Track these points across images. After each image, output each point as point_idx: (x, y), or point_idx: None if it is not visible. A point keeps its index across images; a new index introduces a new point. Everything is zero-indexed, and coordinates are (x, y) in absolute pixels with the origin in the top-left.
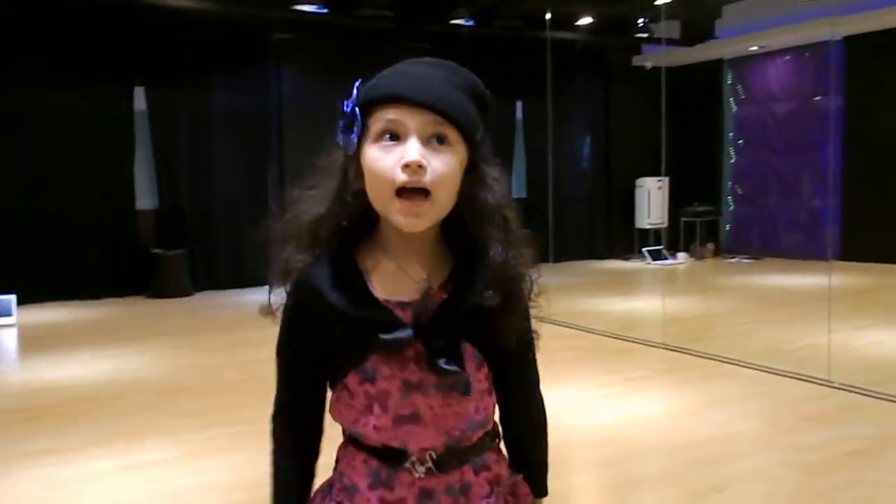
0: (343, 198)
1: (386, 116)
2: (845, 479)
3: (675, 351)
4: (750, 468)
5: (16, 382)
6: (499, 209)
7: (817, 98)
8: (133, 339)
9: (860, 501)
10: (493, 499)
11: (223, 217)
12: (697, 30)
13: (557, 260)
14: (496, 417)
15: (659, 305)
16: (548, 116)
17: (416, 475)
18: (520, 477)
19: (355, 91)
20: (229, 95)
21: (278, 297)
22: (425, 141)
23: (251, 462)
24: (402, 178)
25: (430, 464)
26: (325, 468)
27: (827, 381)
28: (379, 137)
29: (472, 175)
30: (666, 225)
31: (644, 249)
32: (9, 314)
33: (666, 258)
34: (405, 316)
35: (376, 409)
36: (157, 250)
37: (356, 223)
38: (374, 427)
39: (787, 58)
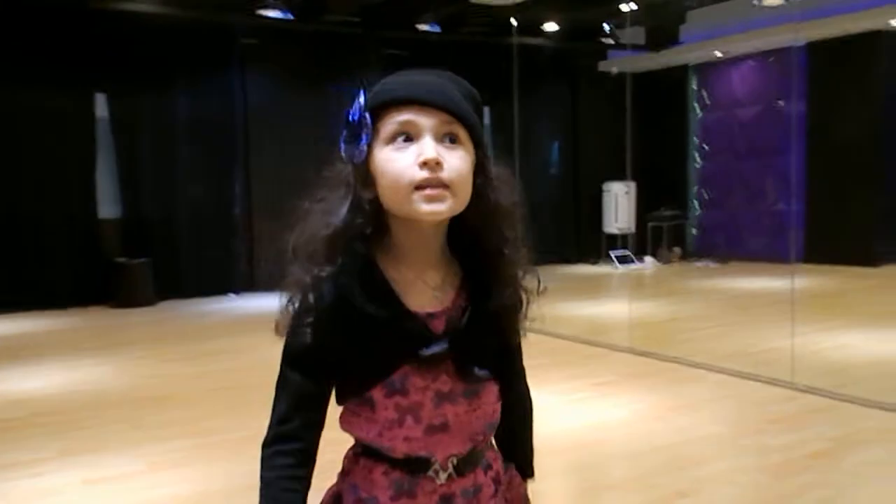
0: (357, 207)
1: (399, 118)
2: (808, 481)
3: (641, 355)
4: (715, 472)
5: None
6: (512, 209)
7: (781, 103)
8: (96, 350)
9: (822, 503)
10: (499, 497)
11: (187, 225)
12: (662, 36)
13: None
14: None
15: (626, 310)
16: (515, 122)
17: (439, 482)
18: (511, 467)
19: (361, 98)
20: (193, 102)
21: (286, 313)
22: (439, 140)
23: (216, 474)
24: (420, 175)
25: (451, 470)
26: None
27: (791, 383)
28: (392, 139)
29: (480, 176)
30: (633, 229)
31: (612, 254)
32: None
33: (633, 262)
34: (436, 326)
35: (409, 420)
36: (121, 259)
37: (371, 233)
38: (405, 438)
39: (751, 63)
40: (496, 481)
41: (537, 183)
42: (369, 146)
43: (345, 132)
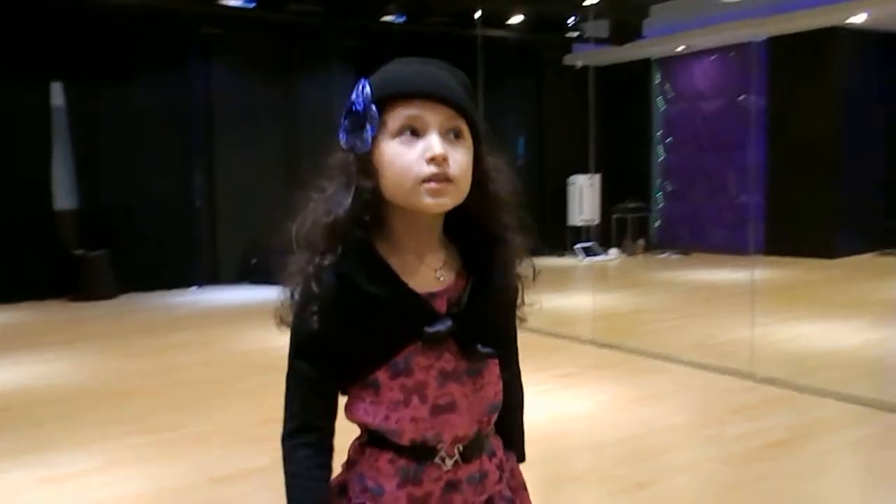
0: (358, 197)
1: (407, 112)
2: (766, 471)
3: (604, 347)
4: (675, 463)
5: None
6: (510, 197)
7: (742, 97)
8: (53, 345)
9: (778, 492)
10: (503, 484)
11: (148, 216)
12: (626, 29)
13: None
14: None
15: (590, 302)
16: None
17: (445, 469)
18: (511, 453)
19: (366, 88)
20: (154, 91)
21: (288, 304)
22: (443, 135)
23: (173, 471)
24: (427, 170)
25: (457, 456)
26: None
27: (751, 374)
28: (398, 133)
29: (480, 167)
30: (598, 221)
31: (577, 246)
32: None
33: (598, 254)
34: (439, 306)
35: (415, 400)
36: (79, 251)
37: (370, 220)
38: (412, 419)
39: (713, 57)
40: (500, 468)
41: None
42: (375, 137)
43: (347, 121)
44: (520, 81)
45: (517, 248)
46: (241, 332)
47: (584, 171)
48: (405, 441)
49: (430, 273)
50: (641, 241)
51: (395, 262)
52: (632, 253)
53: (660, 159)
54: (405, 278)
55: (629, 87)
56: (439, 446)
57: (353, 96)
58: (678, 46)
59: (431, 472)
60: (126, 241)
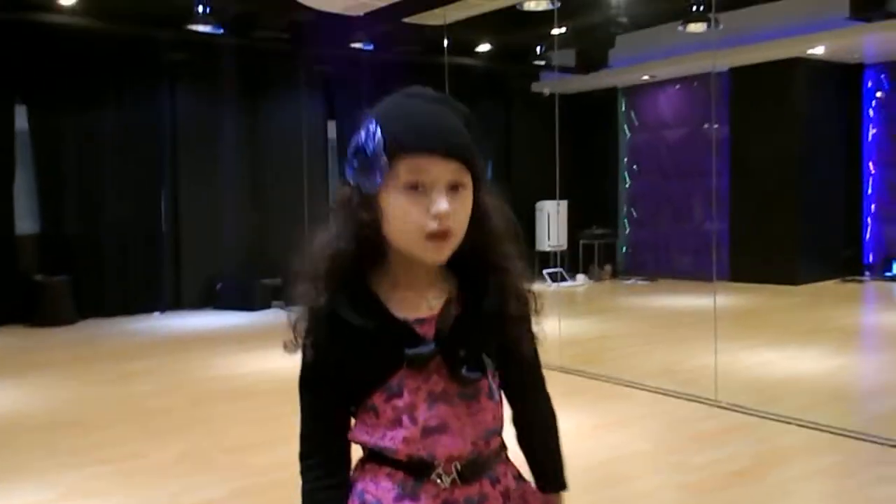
0: (360, 232)
1: (416, 166)
2: (730, 499)
3: (571, 374)
4: (639, 490)
5: None
6: (507, 230)
7: (706, 126)
8: (11, 372)
9: None
10: None
11: (111, 241)
12: (592, 59)
13: None
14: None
15: (558, 328)
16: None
17: (442, 486)
18: (527, 483)
19: (377, 133)
20: (119, 116)
21: (297, 330)
22: (448, 188)
23: (135, 503)
24: (431, 226)
25: (454, 475)
26: None
27: (714, 401)
28: (406, 186)
29: (479, 206)
30: (565, 247)
31: (544, 272)
32: None
33: (565, 280)
34: (426, 331)
35: (405, 420)
36: (39, 277)
37: (368, 254)
38: (404, 438)
39: (677, 87)
40: (505, 496)
41: None
42: (382, 183)
43: (356, 161)
44: (488, 108)
45: (519, 275)
46: (204, 359)
47: (552, 197)
48: (402, 457)
49: (420, 301)
50: (608, 268)
51: (388, 292)
52: (599, 279)
53: (626, 186)
54: (395, 306)
55: (596, 115)
56: (435, 463)
57: (364, 138)
58: (643, 76)
59: (429, 489)
60: (88, 267)
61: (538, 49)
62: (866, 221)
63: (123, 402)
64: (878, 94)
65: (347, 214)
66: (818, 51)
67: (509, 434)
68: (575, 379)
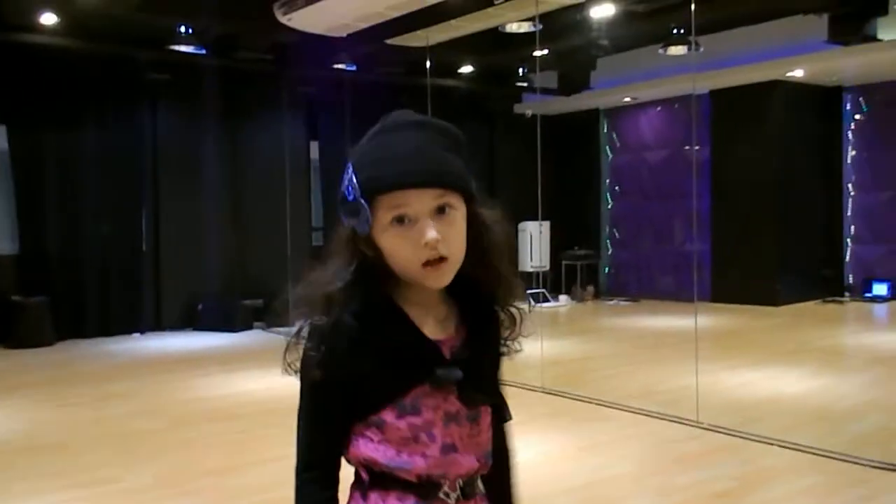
0: (365, 264)
1: (395, 203)
2: None
3: (553, 395)
4: None
5: None
6: (505, 246)
7: (687, 147)
8: None
9: None
10: None
11: (90, 262)
12: (574, 81)
13: None
14: None
15: (540, 349)
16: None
17: (449, 503)
18: None
19: (351, 176)
20: (100, 136)
21: (298, 348)
22: (434, 214)
23: None
24: (424, 255)
25: (458, 492)
26: None
27: (696, 422)
28: (390, 224)
29: (475, 223)
30: (548, 268)
31: (527, 292)
32: None
33: (548, 301)
34: (446, 352)
35: (423, 438)
36: (17, 297)
37: (381, 276)
38: (422, 455)
39: (658, 109)
40: None
41: None
42: (371, 225)
43: (343, 209)
44: (471, 130)
45: (513, 294)
46: (184, 381)
47: (535, 217)
48: (412, 477)
49: (436, 323)
50: (591, 288)
51: (406, 310)
52: (581, 300)
53: (608, 207)
54: (418, 324)
55: (578, 137)
56: (443, 481)
57: (344, 185)
58: (624, 98)
59: None
60: (67, 287)
61: (520, 71)
62: (846, 242)
63: (102, 424)
64: (857, 117)
65: (351, 252)
66: (797, 73)
67: None
68: (557, 400)
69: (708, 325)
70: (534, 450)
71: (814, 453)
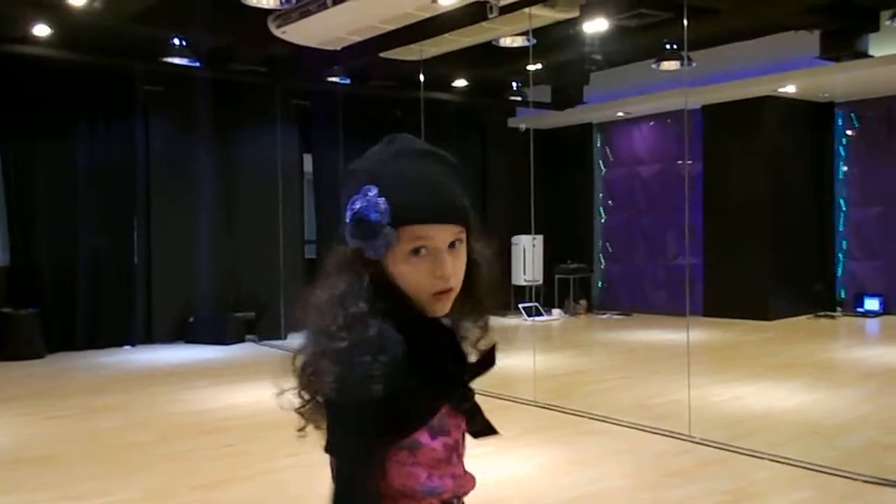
0: (375, 283)
1: (418, 234)
2: None
3: (546, 408)
4: None
5: None
6: (493, 273)
7: (679, 162)
8: None
9: None
10: None
11: (82, 274)
12: (567, 95)
13: None
14: None
15: (533, 362)
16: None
17: None
18: None
19: (377, 200)
20: (93, 148)
21: (347, 375)
22: (447, 248)
23: None
24: (437, 286)
25: None
26: None
27: (688, 436)
28: (411, 253)
29: (471, 253)
30: (541, 282)
31: (520, 306)
32: None
33: (541, 314)
34: None
35: (454, 458)
36: (7, 309)
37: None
38: (453, 476)
39: (651, 123)
40: None
41: None
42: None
43: (356, 228)
44: (464, 143)
45: (489, 330)
46: (174, 394)
47: (528, 231)
48: (437, 501)
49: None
50: (584, 302)
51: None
52: (574, 313)
53: (601, 221)
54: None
55: (571, 151)
56: (456, 501)
57: (366, 207)
58: (617, 112)
59: None
60: (57, 300)
61: (514, 85)
62: (838, 257)
63: (91, 437)
64: (849, 133)
65: (354, 273)
66: (789, 89)
67: None
68: (549, 413)
69: (700, 339)
70: (526, 463)
71: (805, 467)
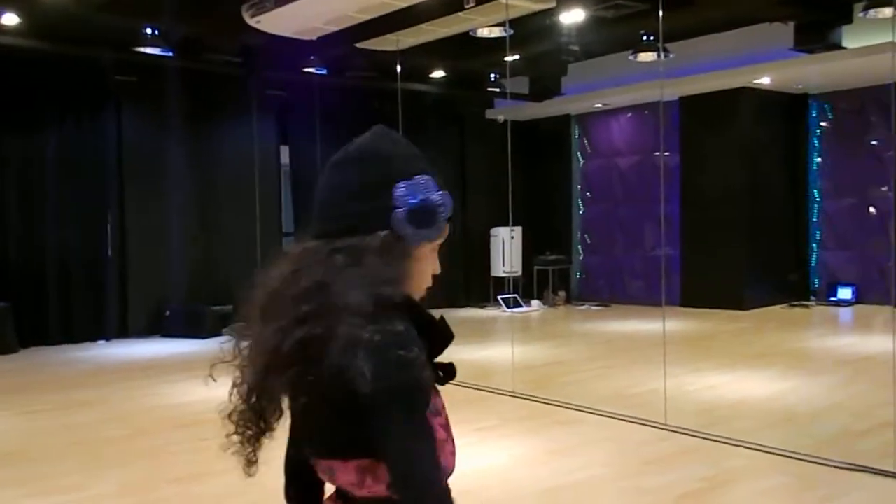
0: (406, 277)
1: (446, 232)
2: None
3: (524, 399)
4: None
5: None
6: None
7: (657, 153)
8: None
9: None
10: None
11: (54, 267)
12: (545, 86)
13: None
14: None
15: (512, 353)
16: None
17: None
18: None
19: (444, 194)
20: (64, 139)
21: (405, 361)
22: None
23: None
24: (429, 283)
25: None
26: None
27: (665, 424)
28: (432, 249)
29: None
30: (520, 273)
31: (499, 297)
32: None
33: (520, 306)
34: None
35: (451, 436)
36: None
37: None
38: (452, 453)
39: (629, 115)
40: None
41: None
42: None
43: (420, 218)
44: (442, 134)
45: None
46: (149, 388)
47: (506, 223)
48: (449, 477)
49: None
50: (562, 293)
51: None
52: (553, 304)
53: (580, 212)
54: None
55: (549, 142)
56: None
57: (436, 199)
58: (595, 104)
59: None
60: (30, 294)
61: (492, 76)
62: (812, 248)
63: (66, 432)
64: (823, 124)
65: (390, 259)
66: (764, 81)
67: None
68: (528, 404)
69: (677, 329)
70: (504, 453)
71: (779, 454)
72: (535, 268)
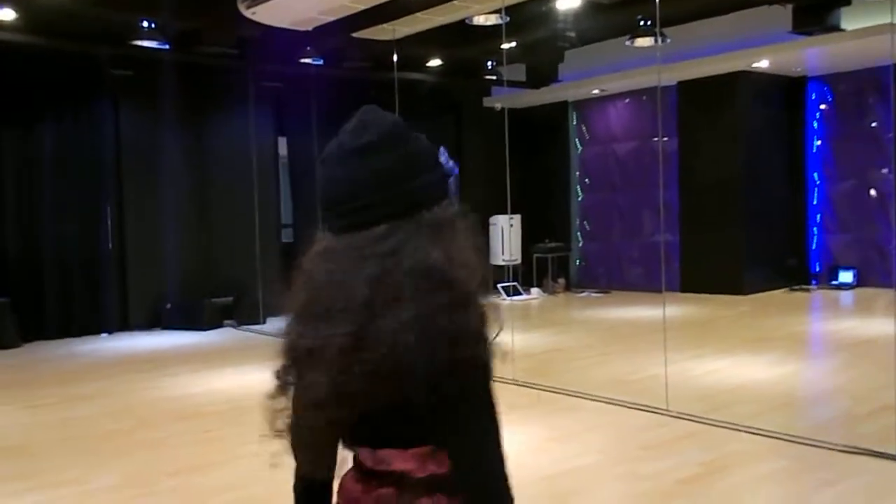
0: None
1: None
2: None
3: (525, 386)
4: (594, 500)
5: None
6: None
7: (655, 139)
8: None
9: None
10: None
11: (55, 262)
12: (542, 73)
13: None
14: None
15: (512, 341)
16: None
17: None
18: None
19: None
20: (61, 133)
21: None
22: None
23: None
24: None
25: None
26: None
27: (665, 410)
28: None
29: None
30: (519, 261)
31: (499, 285)
32: None
33: (520, 294)
34: None
35: None
36: None
37: None
38: None
39: (627, 101)
40: None
41: None
42: None
43: (451, 182)
44: (439, 122)
45: None
46: (151, 381)
47: (505, 211)
48: None
49: None
50: (562, 280)
51: None
52: (553, 292)
53: (578, 199)
54: None
55: (547, 129)
56: None
57: (446, 159)
58: (593, 90)
59: None
60: (31, 288)
61: (489, 64)
62: (812, 231)
63: (67, 426)
64: (822, 107)
65: (467, 223)
66: (762, 64)
67: None
68: (528, 391)
69: (677, 314)
70: (505, 441)
71: (779, 438)
72: (535, 255)
